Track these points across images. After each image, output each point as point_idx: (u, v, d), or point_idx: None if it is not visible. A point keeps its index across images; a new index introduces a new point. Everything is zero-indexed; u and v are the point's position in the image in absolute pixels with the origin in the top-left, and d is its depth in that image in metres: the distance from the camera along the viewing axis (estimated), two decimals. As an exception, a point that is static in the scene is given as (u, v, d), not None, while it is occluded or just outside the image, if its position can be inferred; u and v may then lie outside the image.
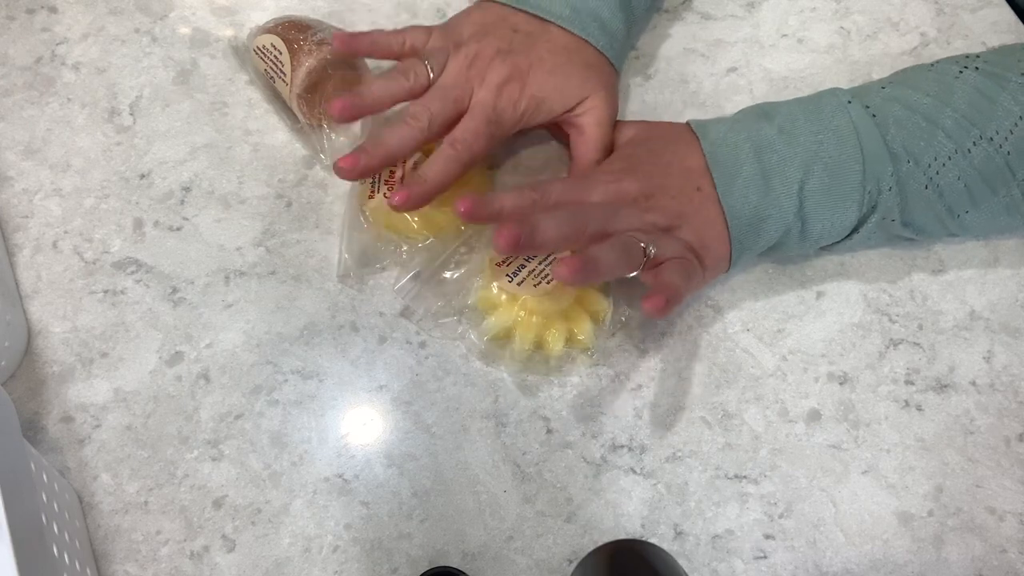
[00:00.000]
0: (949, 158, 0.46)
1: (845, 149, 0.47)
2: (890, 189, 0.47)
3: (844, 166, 0.46)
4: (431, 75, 0.50)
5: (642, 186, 0.47)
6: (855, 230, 0.48)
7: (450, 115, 0.50)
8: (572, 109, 0.52)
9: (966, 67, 0.48)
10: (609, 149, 0.53)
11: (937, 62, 0.50)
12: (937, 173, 0.47)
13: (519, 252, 0.44)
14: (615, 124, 0.53)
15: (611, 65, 0.53)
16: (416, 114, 0.49)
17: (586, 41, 0.52)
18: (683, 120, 0.57)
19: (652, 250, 0.44)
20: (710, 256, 0.47)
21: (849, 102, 0.48)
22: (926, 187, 0.47)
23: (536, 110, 0.51)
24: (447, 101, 0.49)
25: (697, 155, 0.48)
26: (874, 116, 0.47)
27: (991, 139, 0.46)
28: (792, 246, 0.49)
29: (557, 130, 0.54)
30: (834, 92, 0.49)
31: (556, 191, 0.46)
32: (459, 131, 0.49)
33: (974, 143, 0.46)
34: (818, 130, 0.47)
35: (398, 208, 0.48)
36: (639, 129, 0.52)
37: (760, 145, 0.47)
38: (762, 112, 0.49)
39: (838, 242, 0.50)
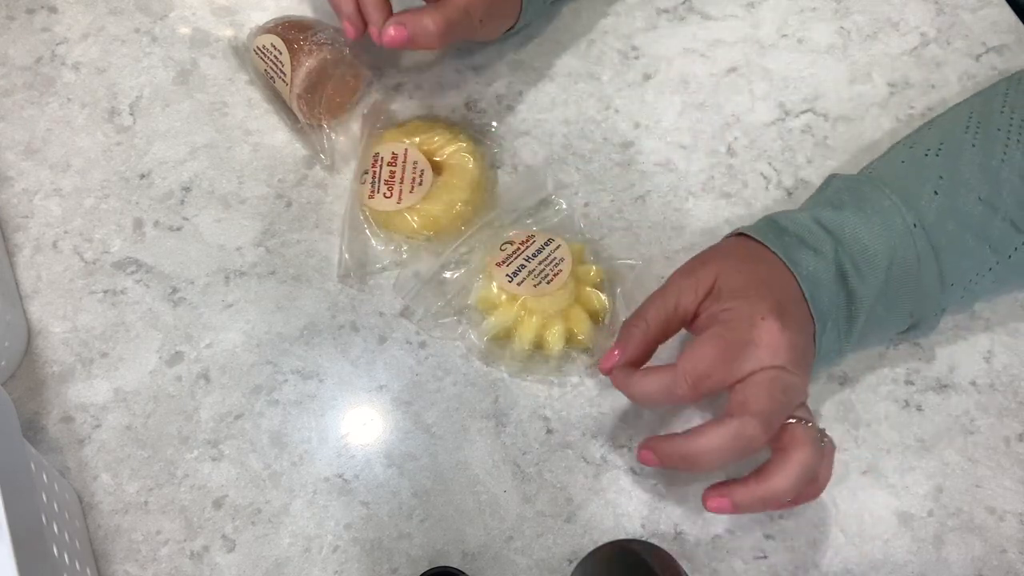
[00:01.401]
0: (990, 269, 0.46)
1: (905, 287, 0.45)
2: (935, 315, 0.47)
3: (900, 302, 0.45)
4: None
5: (779, 308, 0.42)
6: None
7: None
8: None
9: (1008, 139, 0.46)
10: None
11: (978, 126, 0.47)
12: (976, 284, 0.47)
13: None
14: (689, 288, 0.45)
15: None
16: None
17: None
18: (684, 121, 0.57)
19: (826, 439, 0.43)
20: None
21: (914, 226, 0.44)
22: (962, 297, 0.47)
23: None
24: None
25: (795, 286, 0.44)
26: (931, 242, 0.44)
27: None
28: (832, 362, 0.49)
29: None
30: (896, 207, 0.45)
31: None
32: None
33: (1015, 249, 0.46)
34: (887, 264, 0.44)
35: (390, 42, 0.49)
36: (716, 271, 0.45)
37: (837, 273, 0.44)
38: (829, 231, 0.45)
39: None
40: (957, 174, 0.46)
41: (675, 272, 0.46)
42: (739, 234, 0.47)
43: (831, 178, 0.49)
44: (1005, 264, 0.46)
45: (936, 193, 0.45)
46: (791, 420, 0.42)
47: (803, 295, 0.43)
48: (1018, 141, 0.46)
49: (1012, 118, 0.47)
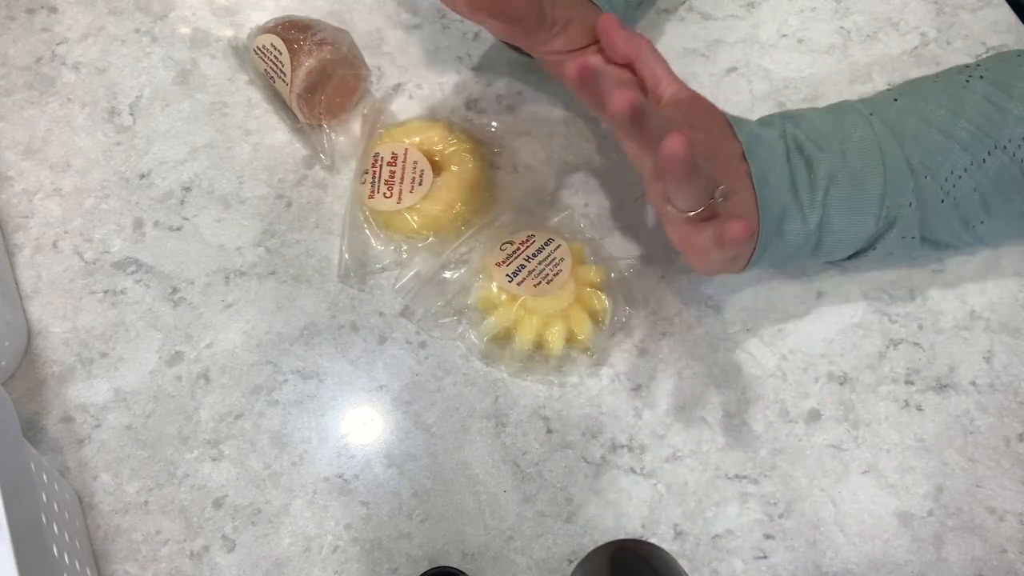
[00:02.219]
0: (965, 170, 0.46)
1: (867, 161, 0.46)
2: (910, 204, 0.46)
3: (866, 178, 0.46)
4: None
5: (705, 148, 0.45)
6: (872, 246, 0.48)
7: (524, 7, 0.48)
8: (587, 49, 0.50)
9: (970, 76, 0.48)
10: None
11: (939, 74, 0.50)
12: (954, 186, 0.46)
13: (636, 120, 0.39)
14: (673, 74, 0.48)
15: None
16: None
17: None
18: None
19: (721, 197, 0.42)
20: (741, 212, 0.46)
21: (870, 114, 0.47)
22: (942, 201, 0.47)
23: (562, 29, 0.50)
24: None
25: (734, 141, 0.47)
26: (891, 130, 0.47)
27: (1004, 147, 0.46)
28: (804, 256, 0.49)
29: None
30: (853, 105, 0.48)
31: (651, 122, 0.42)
32: None
33: (988, 153, 0.46)
34: (842, 139, 0.47)
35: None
36: (689, 97, 0.48)
37: (789, 147, 0.47)
38: (787, 116, 0.49)
39: (850, 258, 0.49)
40: (918, 92, 0.48)
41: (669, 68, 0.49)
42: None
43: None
44: (982, 170, 0.46)
45: (896, 100, 0.48)
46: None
47: (740, 146, 0.46)
48: (981, 77, 0.48)
49: (978, 66, 0.49)
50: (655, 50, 0.49)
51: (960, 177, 0.46)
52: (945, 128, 0.46)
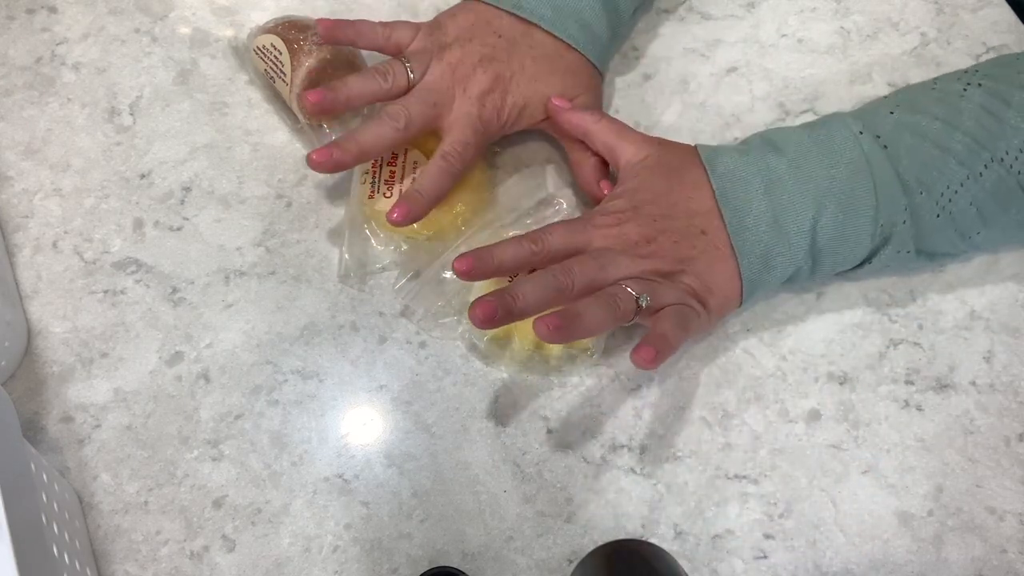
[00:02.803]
0: (961, 184, 0.46)
1: (858, 184, 0.46)
2: (904, 222, 0.46)
3: (857, 201, 0.46)
4: (411, 78, 0.51)
5: (644, 231, 0.46)
6: (868, 260, 0.48)
7: (428, 118, 0.50)
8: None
9: (968, 84, 0.47)
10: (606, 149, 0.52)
11: (937, 80, 0.49)
12: (950, 201, 0.46)
13: (499, 324, 0.42)
14: (626, 135, 0.51)
15: (594, 67, 0.53)
16: (394, 114, 0.49)
17: (568, 44, 0.52)
18: (684, 121, 0.57)
19: (645, 301, 0.44)
20: (716, 297, 0.47)
21: (860, 132, 0.47)
22: (938, 216, 0.47)
23: (519, 117, 0.52)
24: (427, 104, 0.50)
25: (705, 190, 0.47)
26: (885, 147, 0.46)
27: (1002, 160, 0.46)
28: (803, 280, 0.49)
29: (553, 130, 0.54)
30: (844, 121, 0.48)
31: (555, 240, 0.45)
32: (447, 144, 0.50)
33: (985, 166, 0.46)
34: (830, 163, 0.46)
35: (397, 223, 0.48)
36: (649, 153, 0.49)
37: (771, 180, 0.47)
38: (770, 142, 0.48)
39: (848, 270, 0.49)
40: (915, 102, 0.48)
41: (633, 133, 0.51)
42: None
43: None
44: (978, 183, 0.46)
45: (891, 113, 0.48)
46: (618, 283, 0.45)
47: (712, 192, 0.47)
48: (979, 84, 0.47)
49: (976, 72, 0.49)
50: (602, 119, 0.50)
51: (956, 192, 0.46)
52: (941, 142, 0.46)
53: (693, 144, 0.50)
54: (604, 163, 0.53)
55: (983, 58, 0.59)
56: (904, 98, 0.49)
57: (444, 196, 0.50)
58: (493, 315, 0.41)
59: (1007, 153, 0.45)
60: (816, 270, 0.48)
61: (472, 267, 0.44)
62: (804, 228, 0.46)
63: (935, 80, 0.50)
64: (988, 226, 0.48)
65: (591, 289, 0.44)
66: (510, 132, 0.53)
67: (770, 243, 0.46)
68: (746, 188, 0.47)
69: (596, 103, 0.54)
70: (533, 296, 0.43)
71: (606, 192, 0.51)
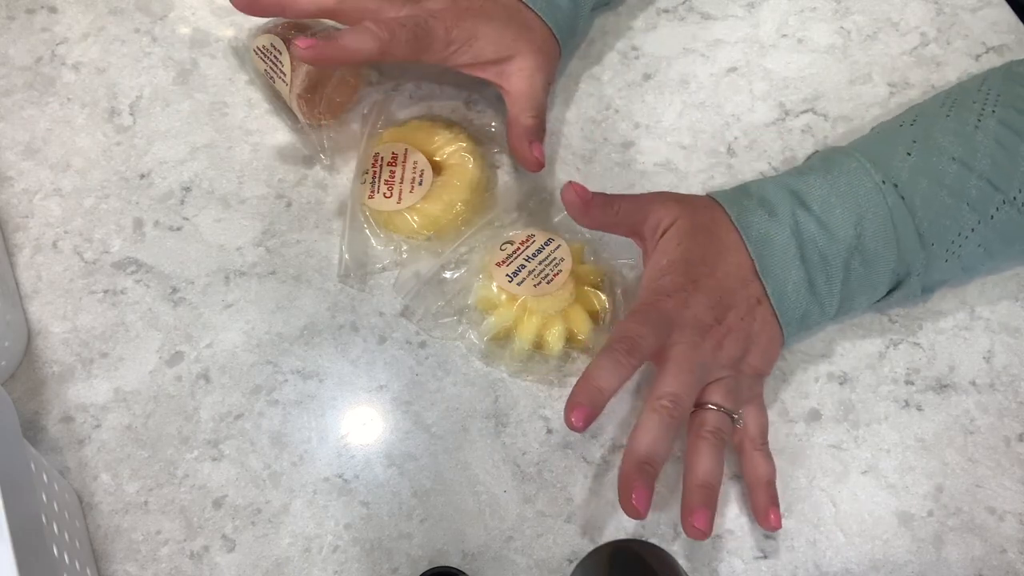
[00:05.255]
0: (972, 230, 0.46)
1: (882, 241, 0.46)
2: (918, 274, 0.47)
3: (880, 258, 0.46)
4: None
5: (713, 311, 0.45)
6: (877, 301, 0.49)
7: (406, 40, 0.49)
8: (500, 62, 0.52)
9: (983, 110, 0.47)
10: (540, 112, 0.52)
11: (954, 103, 0.49)
12: (960, 246, 0.46)
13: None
14: (649, 202, 0.48)
15: (552, 37, 0.53)
16: (381, 24, 0.48)
17: (527, 5, 0.52)
18: (684, 121, 0.57)
19: (740, 422, 0.46)
20: (768, 368, 0.48)
21: (883, 183, 0.46)
22: (947, 261, 0.47)
23: (466, 45, 0.51)
24: (405, 29, 0.49)
25: (743, 255, 0.46)
26: (903, 198, 0.46)
27: (1013, 199, 0.46)
28: (822, 326, 0.51)
29: (497, 80, 0.53)
30: (865, 169, 0.46)
31: (648, 345, 0.43)
32: (384, 19, 0.49)
33: (997, 208, 0.46)
34: (856, 220, 0.46)
35: (304, 57, 0.47)
36: (677, 215, 0.47)
37: (803, 242, 0.46)
38: (795, 194, 0.47)
39: None
40: (930, 139, 0.47)
41: (653, 195, 0.49)
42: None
43: (813, 153, 0.52)
44: (988, 225, 0.46)
45: (909, 154, 0.47)
46: (710, 406, 0.45)
47: (752, 262, 0.46)
48: (993, 111, 0.47)
49: (988, 94, 0.48)
50: (621, 202, 0.48)
51: (967, 237, 0.46)
52: (956, 188, 0.46)
53: (707, 195, 0.49)
54: (541, 127, 0.52)
55: (983, 58, 0.59)
56: (920, 131, 0.48)
57: (355, 60, 0.49)
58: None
59: (1020, 192, 0.46)
60: (836, 318, 0.49)
61: (588, 415, 0.41)
62: (835, 290, 0.46)
63: (951, 102, 0.49)
64: (992, 259, 0.48)
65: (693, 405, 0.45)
66: (454, 63, 0.52)
67: (807, 307, 0.47)
68: (783, 256, 0.46)
69: (544, 65, 0.53)
70: (648, 437, 0.42)
71: (536, 155, 0.51)
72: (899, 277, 0.47)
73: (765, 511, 0.45)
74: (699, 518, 0.42)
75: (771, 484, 0.46)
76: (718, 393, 0.45)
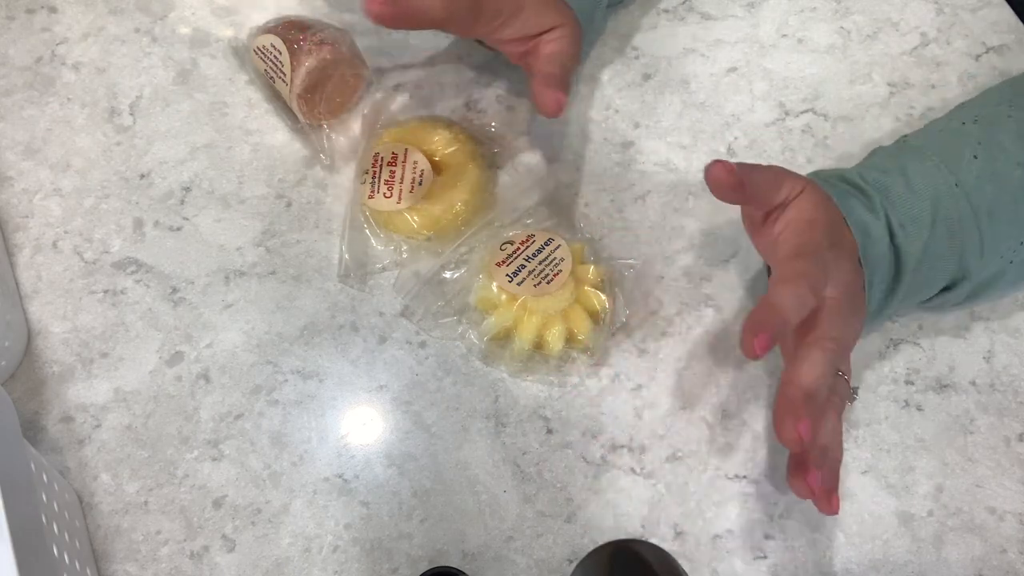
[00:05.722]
0: None
1: (948, 247, 0.46)
2: (970, 280, 0.47)
3: (942, 260, 0.46)
4: None
5: (855, 272, 0.45)
6: (926, 301, 0.49)
7: (470, 4, 0.48)
8: (540, 35, 0.51)
9: None
10: (567, 69, 0.51)
11: (1010, 102, 0.48)
12: (1014, 252, 0.46)
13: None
14: (782, 174, 0.47)
15: (570, 10, 0.53)
16: None
17: None
18: (684, 121, 0.57)
19: (855, 396, 0.47)
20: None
21: (956, 186, 0.45)
22: (1003, 269, 0.47)
23: (512, 17, 0.50)
24: None
25: (851, 239, 0.45)
26: (971, 204, 0.45)
27: None
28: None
29: (530, 61, 0.52)
30: (938, 167, 0.46)
31: (822, 285, 0.42)
32: None
33: None
34: (932, 220, 0.45)
35: (375, 13, 0.45)
36: (807, 184, 0.47)
37: (890, 238, 0.46)
38: (880, 189, 0.46)
39: None
40: (995, 141, 0.47)
41: (776, 166, 0.47)
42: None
43: (875, 150, 0.51)
44: None
45: (975, 157, 0.46)
46: (842, 374, 0.45)
47: (855, 244, 0.45)
48: None
49: None
50: (756, 168, 0.45)
51: (1022, 243, 0.46)
52: (1019, 195, 0.46)
53: (809, 176, 0.48)
54: (566, 78, 0.51)
55: (983, 58, 0.59)
56: (983, 134, 0.47)
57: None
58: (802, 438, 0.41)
59: None
60: (891, 316, 0.49)
61: (768, 343, 0.39)
62: (900, 290, 0.46)
63: (1008, 104, 0.49)
64: None
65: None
66: (499, 34, 0.51)
67: (881, 303, 0.47)
68: (876, 247, 0.46)
69: (579, 41, 0.53)
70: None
71: (557, 97, 0.49)
72: (954, 281, 0.47)
73: (830, 494, 0.44)
74: (813, 478, 0.43)
75: (837, 465, 0.45)
76: (846, 363, 0.46)
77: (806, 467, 0.43)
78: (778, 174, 0.47)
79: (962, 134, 0.48)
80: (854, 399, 0.46)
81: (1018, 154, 0.46)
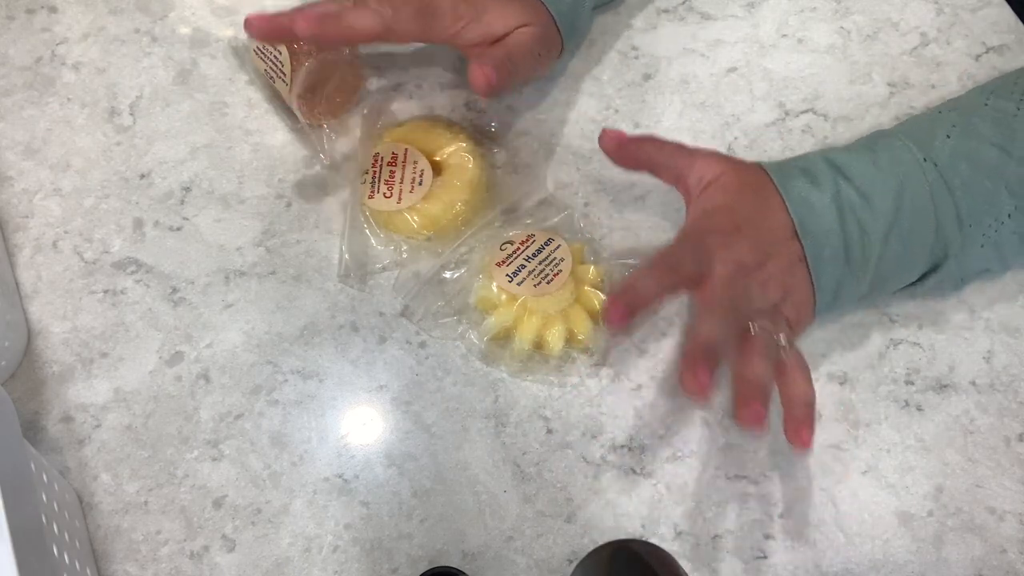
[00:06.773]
0: (1009, 216, 0.46)
1: (920, 218, 0.46)
2: (955, 257, 0.47)
3: (917, 235, 0.46)
4: None
5: (756, 253, 0.45)
6: (913, 284, 0.49)
7: (410, 17, 0.49)
8: (508, 34, 0.51)
9: (1022, 100, 0.47)
10: (509, 59, 0.51)
11: (991, 93, 0.49)
12: (996, 232, 0.46)
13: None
14: (695, 152, 0.49)
15: (555, 25, 0.53)
16: (384, 1, 0.49)
17: None
18: (684, 121, 0.57)
19: (784, 344, 0.44)
20: (800, 330, 0.47)
21: (924, 160, 0.46)
22: (982, 246, 0.47)
23: (475, 21, 0.51)
24: (409, 5, 0.49)
25: (785, 216, 0.46)
26: (943, 177, 0.46)
27: None
28: (853, 306, 0.50)
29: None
30: (907, 147, 0.47)
31: (687, 267, 0.45)
32: None
33: None
34: (896, 194, 0.46)
35: (303, 32, 0.47)
36: (724, 170, 0.48)
37: (843, 209, 0.46)
38: (836, 167, 0.47)
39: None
40: (970, 124, 0.47)
41: (700, 148, 0.49)
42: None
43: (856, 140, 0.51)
44: None
45: (948, 137, 0.47)
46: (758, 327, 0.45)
47: (792, 222, 0.46)
48: None
49: (1017, 84, 0.48)
50: (666, 144, 0.49)
51: (1003, 223, 0.46)
52: (995, 173, 0.46)
53: (757, 163, 0.49)
54: (504, 62, 0.51)
55: (983, 58, 0.59)
56: (959, 118, 0.48)
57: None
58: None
59: None
60: (869, 297, 0.49)
61: (623, 313, 0.43)
62: (871, 263, 0.46)
63: (991, 90, 0.49)
64: None
65: (741, 330, 0.45)
66: (462, 39, 0.51)
67: (841, 277, 0.47)
68: (821, 220, 0.46)
69: (545, 45, 0.53)
70: (709, 333, 0.44)
71: (487, 71, 0.49)
72: (936, 259, 0.47)
73: (797, 427, 0.43)
74: (752, 411, 0.42)
75: (810, 406, 0.44)
76: (764, 319, 0.45)
77: (746, 402, 0.43)
78: (693, 152, 0.49)
79: (937, 119, 0.49)
80: (781, 345, 0.45)
81: (992, 136, 0.46)
